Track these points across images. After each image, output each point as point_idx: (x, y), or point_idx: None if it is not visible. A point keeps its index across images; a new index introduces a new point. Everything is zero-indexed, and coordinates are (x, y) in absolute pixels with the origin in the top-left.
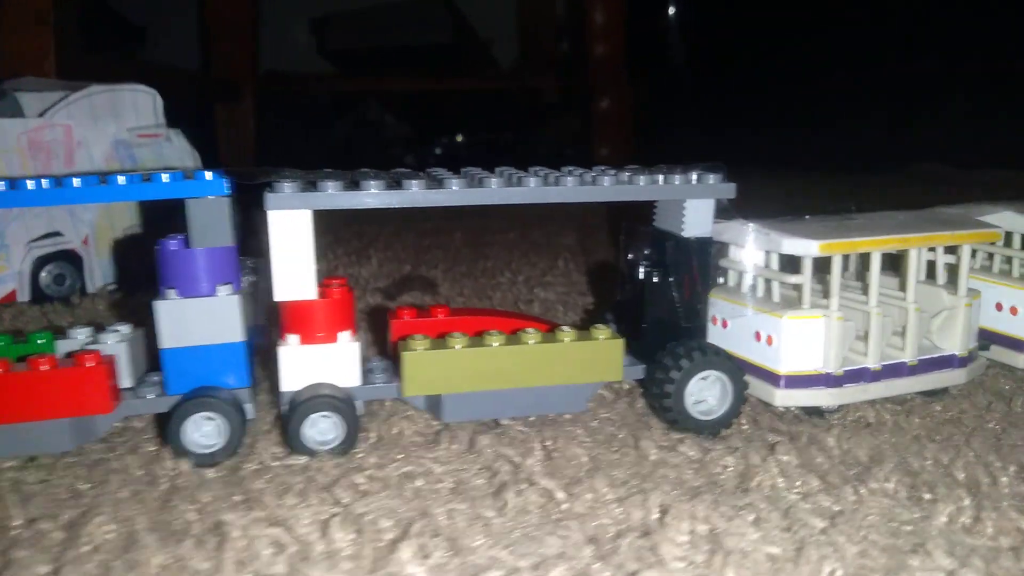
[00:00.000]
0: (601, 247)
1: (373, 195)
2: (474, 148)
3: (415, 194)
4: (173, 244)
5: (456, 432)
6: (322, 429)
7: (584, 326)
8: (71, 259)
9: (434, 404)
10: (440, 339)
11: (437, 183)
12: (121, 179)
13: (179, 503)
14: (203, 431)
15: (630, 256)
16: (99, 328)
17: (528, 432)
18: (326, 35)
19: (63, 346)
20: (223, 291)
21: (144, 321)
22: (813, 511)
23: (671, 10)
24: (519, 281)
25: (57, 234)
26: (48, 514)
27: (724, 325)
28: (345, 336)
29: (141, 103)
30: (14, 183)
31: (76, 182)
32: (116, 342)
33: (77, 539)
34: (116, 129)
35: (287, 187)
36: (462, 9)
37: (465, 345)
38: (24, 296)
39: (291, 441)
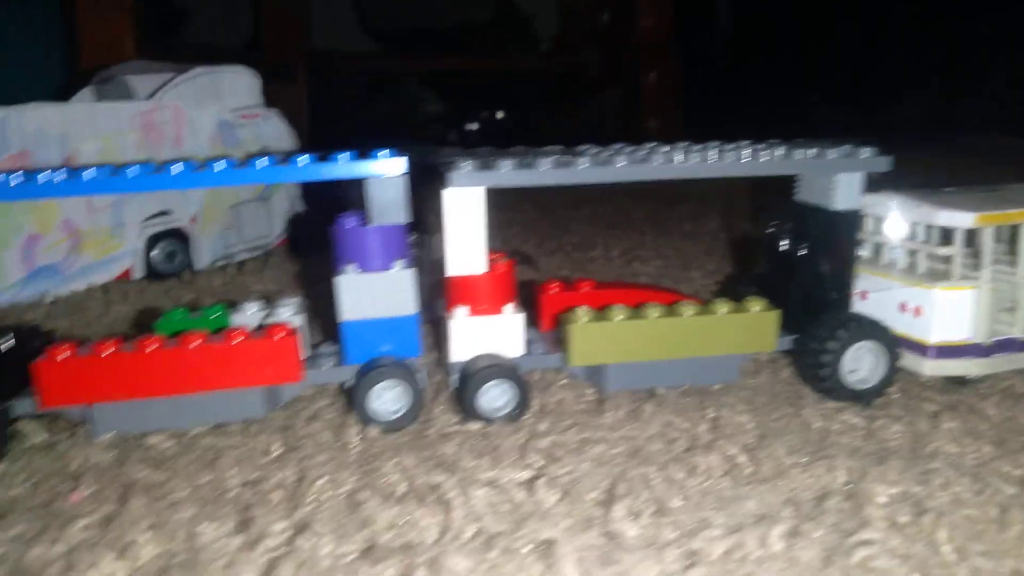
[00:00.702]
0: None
1: (548, 173)
2: (514, 124)
3: (588, 171)
4: (351, 222)
5: (617, 400)
6: (493, 396)
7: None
8: (180, 237)
9: (595, 374)
10: (602, 311)
11: (606, 161)
12: (302, 160)
13: (380, 466)
14: (384, 398)
15: (772, 229)
16: (268, 301)
17: (686, 401)
18: (368, 13)
19: (236, 319)
20: (398, 266)
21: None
22: (1000, 476)
23: None
24: (614, 257)
25: (167, 213)
26: (263, 477)
27: (863, 297)
28: (509, 308)
29: (241, 84)
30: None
31: (262, 162)
32: (292, 314)
33: (301, 499)
34: (219, 109)
35: (467, 165)
36: None
37: (627, 317)
38: (138, 273)
39: (467, 408)
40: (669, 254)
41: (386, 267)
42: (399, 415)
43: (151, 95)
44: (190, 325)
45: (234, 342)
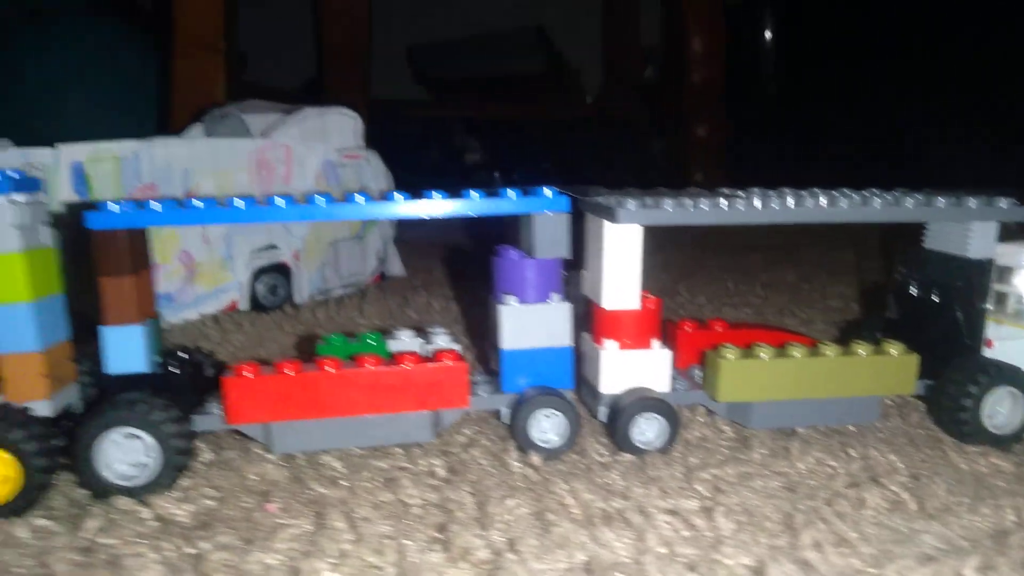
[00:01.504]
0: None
1: (709, 213)
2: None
3: (748, 212)
4: (514, 255)
5: (760, 438)
6: (643, 428)
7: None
8: (283, 271)
9: (737, 410)
10: (747, 350)
11: (765, 201)
12: (474, 196)
13: (553, 490)
14: (543, 426)
15: (903, 276)
16: (419, 331)
17: (828, 441)
18: (421, 63)
19: (394, 345)
20: (555, 298)
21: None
22: None
23: (767, 35)
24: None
25: (273, 247)
26: (443, 497)
27: (988, 345)
28: (657, 344)
29: (345, 125)
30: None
31: (436, 196)
32: (448, 342)
33: (489, 518)
34: (325, 149)
35: (631, 203)
36: (553, 39)
37: (772, 356)
38: (243, 305)
39: (620, 439)
40: (756, 302)
41: (544, 299)
42: (558, 443)
43: (263, 133)
44: (351, 350)
45: (406, 367)
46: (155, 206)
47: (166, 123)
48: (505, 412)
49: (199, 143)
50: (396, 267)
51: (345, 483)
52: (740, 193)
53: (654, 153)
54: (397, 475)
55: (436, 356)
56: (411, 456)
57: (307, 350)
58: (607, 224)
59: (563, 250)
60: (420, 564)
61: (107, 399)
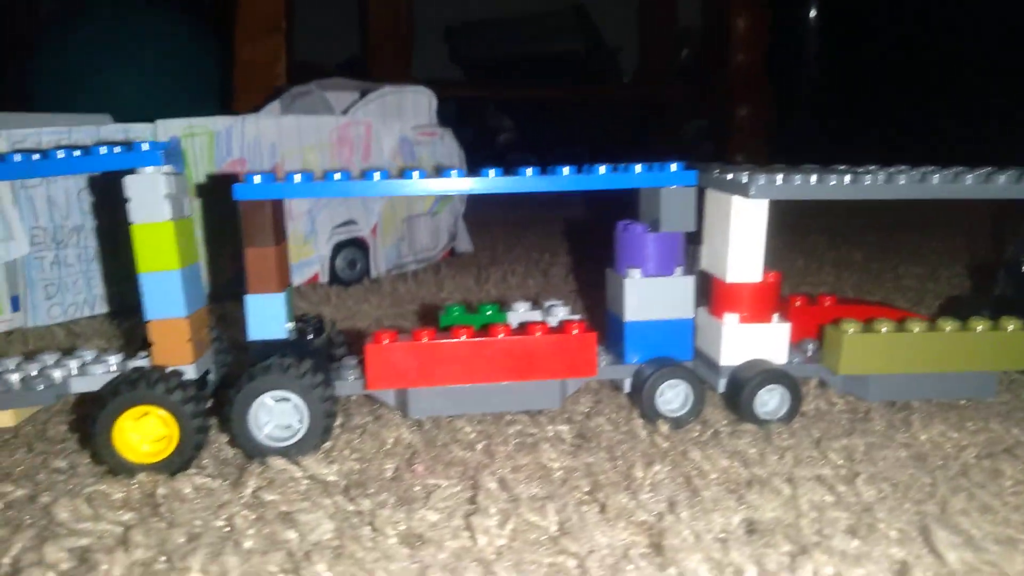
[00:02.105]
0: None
1: (837, 188)
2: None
3: (874, 188)
4: (639, 228)
5: (877, 410)
6: (764, 399)
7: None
8: (360, 246)
9: (854, 384)
10: (866, 324)
11: (889, 178)
12: (602, 169)
13: (690, 457)
14: (666, 396)
15: (1016, 254)
16: (535, 303)
17: (946, 414)
18: (459, 43)
19: (512, 317)
20: (679, 272)
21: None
22: None
23: (811, 13)
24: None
25: (352, 222)
26: (581, 463)
27: None
28: (776, 317)
29: (420, 103)
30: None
31: (565, 171)
32: (565, 315)
33: (637, 482)
34: (401, 126)
35: (761, 178)
36: (593, 19)
37: (892, 330)
38: (324, 278)
39: (743, 410)
40: (829, 279)
41: (668, 272)
42: (683, 412)
43: (345, 111)
44: (470, 320)
45: (536, 336)
46: (296, 179)
47: (228, 103)
48: (627, 382)
49: (286, 120)
50: (465, 243)
51: (480, 447)
52: (856, 169)
53: (689, 134)
54: (531, 440)
55: (564, 326)
56: (537, 422)
57: (399, 321)
58: (736, 199)
59: (689, 224)
60: (580, 524)
61: (254, 364)
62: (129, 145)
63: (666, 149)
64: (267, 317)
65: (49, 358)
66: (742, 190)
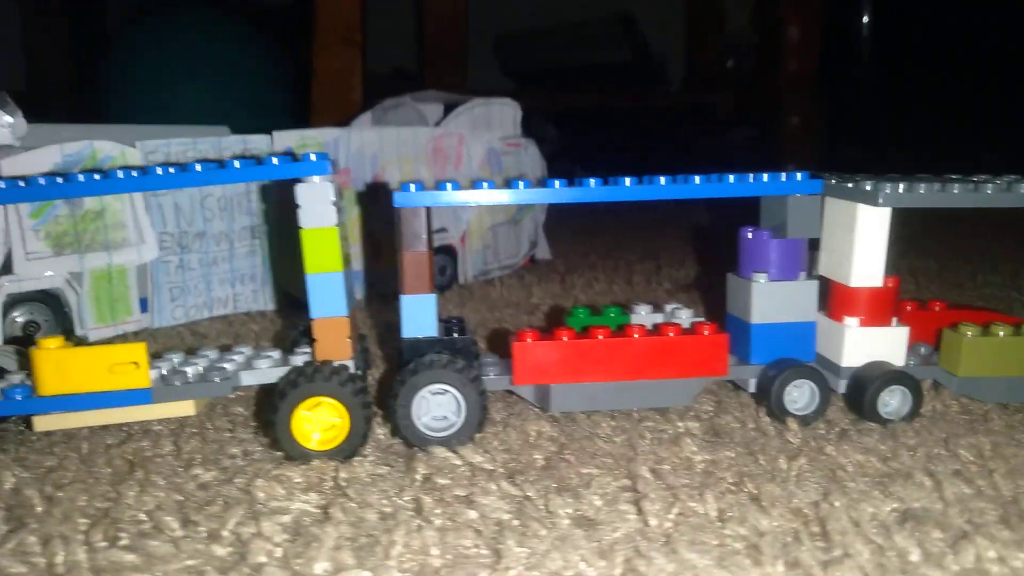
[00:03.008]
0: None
1: (962, 196)
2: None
3: (997, 196)
4: (765, 234)
5: (995, 411)
6: (885, 400)
7: None
8: (450, 252)
9: (970, 385)
10: (984, 328)
11: (1006, 186)
12: (731, 178)
13: (826, 452)
14: (792, 396)
15: None
16: (656, 307)
17: None
18: (509, 53)
19: (635, 319)
20: (802, 276)
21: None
22: None
23: (865, 19)
24: None
25: (443, 230)
26: (723, 457)
27: None
28: (895, 321)
29: (506, 114)
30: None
31: (697, 179)
32: (689, 317)
33: (782, 474)
34: (489, 137)
35: (889, 187)
36: (640, 28)
37: (1009, 334)
38: None
39: (866, 410)
40: (910, 288)
41: (793, 277)
42: (808, 411)
43: (437, 122)
44: (595, 321)
45: (670, 337)
46: (448, 187)
47: (299, 113)
48: (751, 382)
49: (387, 131)
50: (544, 251)
51: (620, 440)
52: (973, 178)
53: (734, 142)
54: (667, 435)
55: (695, 328)
56: (667, 419)
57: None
58: (861, 207)
59: (815, 230)
60: (739, 511)
61: (408, 360)
62: (296, 156)
63: (712, 157)
64: (420, 316)
65: (211, 353)
66: (870, 199)
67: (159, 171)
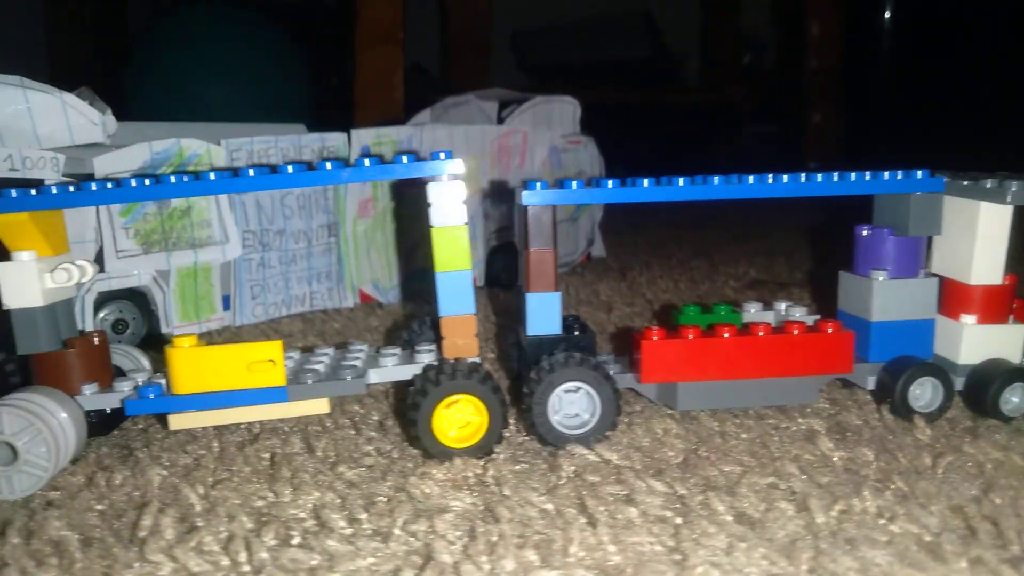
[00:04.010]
0: None
1: None
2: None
3: None
4: (884, 232)
5: None
6: (1005, 398)
7: None
8: (512, 251)
9: None
10: None
11: None
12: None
13: (960, 448)
14: (914, 394)
15: None
16: (766, 305)
17: None
18: (526, 49)
19: (746, 316)
20: (922, 274)
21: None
22: None
23: (886, 14)
24: None
25: (508, 228)
26: (860, 453)
27: None
28: (1011, 318)
29: (566, 112)
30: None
31: (811, 177)
32: (802, 315)
33: (929, 470)
34: (551, 135)
35: (1015, 185)
36: (660, 24)
37: None
38: (481, 282)
39: (989, 407)
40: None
41: (912, 275)
42: (932, 408)
43: (500, 120)
44: (706, 319)
45: (794, 335)
46: (574, 186)
47: (324, 112)
48: (871, 380)
49: (457, 129)
50: (599, 248)
51: (748, 438)
52: None
53: (749, 139)
54: (792, 432)
55: (820, 326)
56: (789, 417)
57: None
58: (984, 204)
59: (936, 228)
60: (901, 506)
61: (535, 358)
62: (418, 155)
63: (727, 154)
64: (545, 314)
65: (329, 351)
66: (996, 197)
67: (290, 169)
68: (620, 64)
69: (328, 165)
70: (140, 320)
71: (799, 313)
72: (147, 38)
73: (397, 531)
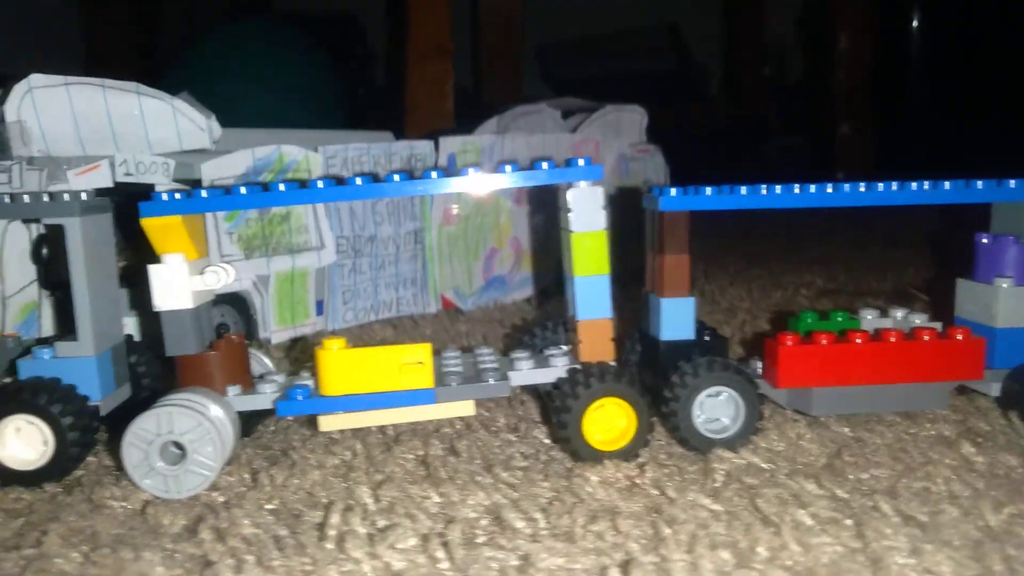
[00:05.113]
0: None
1: None
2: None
3: None
4: (1008, 240)
5: None
6: None
7: None
8: None
9: None
10: None
11: None
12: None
13: None
14: None
15: None
16: (882, 311)
17: None
18: (551, 62)
19: (864, 324)
20: None
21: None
22: None
23: (915, 23)
24: None
25: None
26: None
27: None
28: None
29: (634, 121)
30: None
31: (947, 185)
32: (923, 321)
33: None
34: (619, 144)
35: None
36: (683, 37)
37: None
38: (551, 289)
39: None
40: None
41: None
42: None
43: (574, 129)
44: (825, 326)
45: (932, 341)
46: (708, 190)
47: (356, 122)
48: (995, 387)
49: (534, 138)
50: None
51: (884, 443)
52: None
53: (774, 152)
54: (929, 436)
55: (949, 332)
56: (916, 422)
57: None
58: None
59: None
60: None
61: (670, 363)
62: (569, 162)
63: (751, 167)
64: (680, 318)
65: (452, 354)
66: None
67: (433, 175)
68: (645, 77)
69: (471, 171)
70: (240, 324)
71: (919, 320)
72: (181, 54)
73: (579, 530)
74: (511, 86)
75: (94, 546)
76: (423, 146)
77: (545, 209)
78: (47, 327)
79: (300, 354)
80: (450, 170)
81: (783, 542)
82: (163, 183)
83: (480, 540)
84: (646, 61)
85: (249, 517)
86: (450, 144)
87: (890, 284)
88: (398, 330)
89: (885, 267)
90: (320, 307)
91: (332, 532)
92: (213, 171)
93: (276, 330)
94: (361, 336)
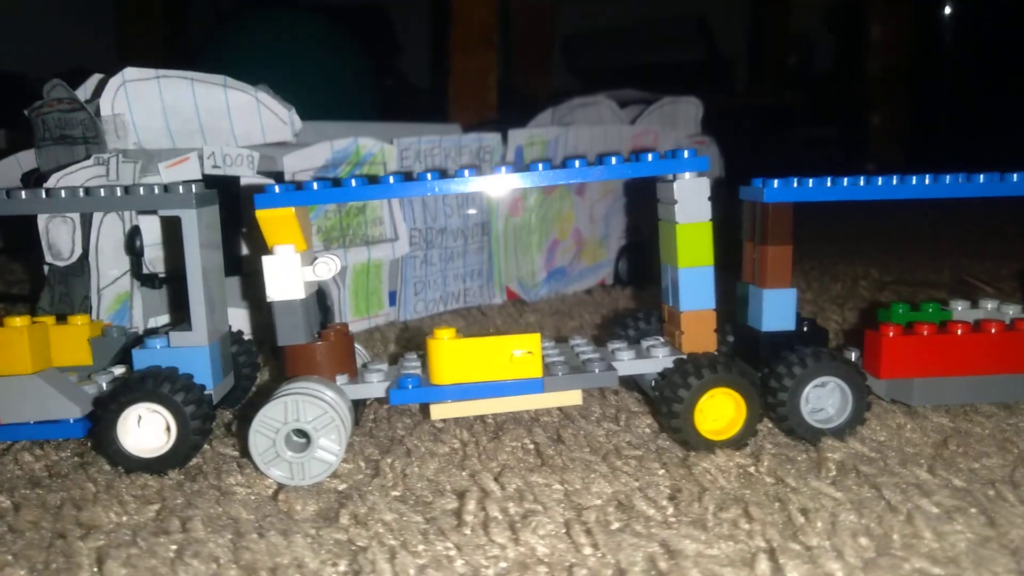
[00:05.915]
0: None
1: None
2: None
3: None
4: None
5: None
6: None
7: None
8: (639, 250)
9: None
10: None
11: None
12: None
13: None
14: None
15: None
16: (973, 303)
17: None
18: (577, 52)
19: (956, 315)
20: None
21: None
22: None
23: (947, 10)
24: None
25: (637, 228)
26: None
27: None
28: None
29: (690, 112)
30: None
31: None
32: (1018, 313)
33: None
34: (677, 135)
35: None
36: (710, 28)
37: None
38: (610, 281)
39: None
40: None
41: None
42: None
43: (633, 120)
44: (915, 317)
45: None
46: (810, 182)
47: (386, 112)
48: None
49: (596, 129)
50: None
51: (983, 432)
52: None
53: (801, 142)
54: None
55: None
56: (1014, 413)
57: None
58: None
59: None
60: None
61: (771, 353)
62: (674, 153)
63: (775, 156)
64: (782, 309)
65: (548, 344)
66: None
67: (540, 167)
68: (672, 67)
69: (576, 163)
70: (318, 315)
71: (1012, 311)
72: (212, 41)
73: (711, 518)
74: (540, 77)
75: (238, 532)
76: (491, 139)
77: (606, 200)
78: (137, 318)
79: (377, 344)
80: (517, 163)
81: (915, 530)
82: (248, 175)
83: (615, 527)
84: (673, 52)
85: (383, 503)
86: (518, 137)
87: (947, 275)
88: (468, 321)
89: (935, 258)
90: (392, 298)
91: (470, 518)
92: (295, 163)
93: (352, 320)
94: (434, 326)
